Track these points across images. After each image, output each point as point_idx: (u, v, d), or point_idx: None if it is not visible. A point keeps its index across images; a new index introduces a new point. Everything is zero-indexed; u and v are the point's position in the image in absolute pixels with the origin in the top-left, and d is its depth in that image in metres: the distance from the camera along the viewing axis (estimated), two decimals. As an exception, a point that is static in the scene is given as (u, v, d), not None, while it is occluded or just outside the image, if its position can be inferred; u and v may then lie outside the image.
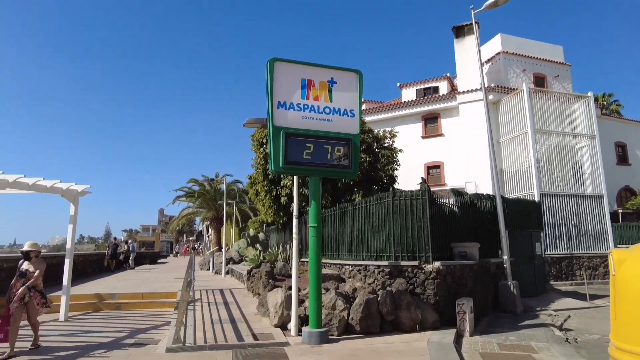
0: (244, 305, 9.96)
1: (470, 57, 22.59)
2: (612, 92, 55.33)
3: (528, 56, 25.11)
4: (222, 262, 19.48)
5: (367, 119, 23.40)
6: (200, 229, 66.13)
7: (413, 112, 24.26)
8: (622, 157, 26.86)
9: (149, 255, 34.42)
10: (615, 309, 4.75)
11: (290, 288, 8.12)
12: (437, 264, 8.43)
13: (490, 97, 21.04)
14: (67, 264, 9.31)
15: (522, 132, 20.33)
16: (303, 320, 7.48)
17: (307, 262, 11.94)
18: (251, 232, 21.56)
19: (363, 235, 10.10)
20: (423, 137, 24.06)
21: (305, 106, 7.40)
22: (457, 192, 11.47)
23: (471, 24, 23.43)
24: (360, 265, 9.78)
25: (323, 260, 9.83)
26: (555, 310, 10.34)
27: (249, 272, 12.40)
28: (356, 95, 7.80)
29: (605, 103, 36.69)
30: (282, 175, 15.71)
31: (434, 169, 23.69)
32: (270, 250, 15.67)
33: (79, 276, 15.96)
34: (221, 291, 12.55)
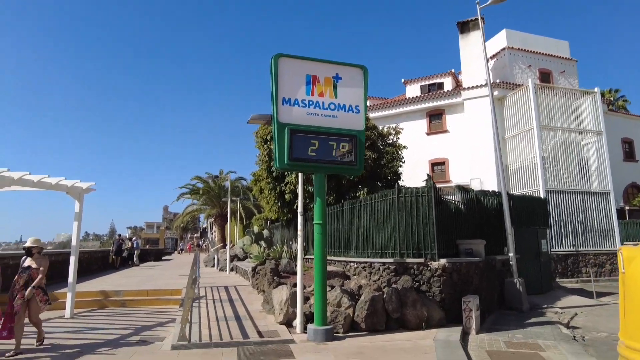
0: (249, 303, 9.95)
1: (475, 53, 22.42)
2: (618, 87, 54.83)
3: (533, 52, 24.89)
4: (226, 259, 19.51)
5: (371, 115, 23.32)
6: (204, 226, 66.37)
7: (417, 108, 24.12)
8: (629, 154, 26.62)
9: (153, 252, 34.47)
10: (624, 307, 4.68)
11: (295, 285, 8.09)
12: (442, 261, 8.38)
13: (496, 93, 20.88)
14: (73, 261, 9.32)
15: (527, 128, 20.17)
16: (308, 318, 7.45)
17: (311, 259, 11.92)
18: (255, 229, 21.53)
19: (368, 232, 10.05)
20: (427, 134, 23.93)
21: (310, 102, 7.35)
22: (463, 189, 11.39)
23: (476, 19, 23.34)
24: (365, 262, 9.74)
25: (327, 258, 9.79)
26: (561, 308, 10.26)
27: (254, 269, 12.39)
28: (361, 91, 7.74)
29: (611, 99, 36.39)
30: (286, 172, 15.66)
31: (438, 166, 23.57)
32: (274, 247, 15.67)
33: (84, 273, 16.02)
34: (226, 288, 12.55)
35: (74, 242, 9.54)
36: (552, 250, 16.78)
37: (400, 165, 16.34)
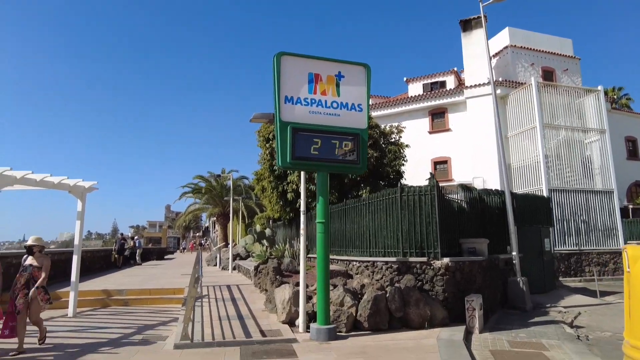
0: (252, 302, 9.94)
1: (478, 51, 22.35)
2: (622, 85, 54.59)
3: (536, 50, 24.80)
4: (228, 258, 19.50)
5: (374, 114, 23.25)
6: (206, 225, 66.46)
7: (420, 107, 24.06)
8: (633, 152, 26.52)
9: (156, 251, 34.52)
10: (630, 306, 4.65)
11: (297, 284, 8.07)
12: (446, 260, 8.34)
13: (498, 91, 20.79)
14: (75, 260, 9.32)
15: (530, 127, 20.10)
16: (311, 317, 7.44)
17: (313, 258, 11.91)
18: (258, 228, 21.53)
19: (370, 231, 10.02)
20: (430, 132, 23.88)
21: (313, 101, 7.32)
22: (466, 188, 11.35)
23: (478, 17, 23.22)
24: (368, 261, 9.71)
25: (330, 257, 9.77)
26: (565, 307, 10.22)
27: (256, 268, 12.37)
28: (364, 90, 7.70)
29: (615, 97, 36.26)
30: (288, 171, 15.64)
31: (441, 165, 23.52)
32: (277, 246, 15.66)
33: (86, 272, 16.05)
34: (228, 287, 12.55)
35: (76, 241, 9.54)
36: (555, 249, 16.73)
37: (403, 164, 16.31)
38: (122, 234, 26.98)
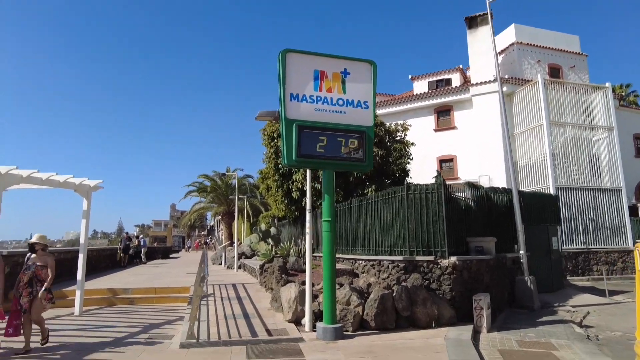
0: (257, 300, 9.91)
1: (484, 48, 22.18)
2: (630, 82, 54.00)
3: (543, 47, 24.58)
4: (234, 257, 19.50)
5: (379, 112, 23.16)
6: (211, 223, 66.61)
7: (425, 104, 23.93)
8: (641, 150, 26.23)
9: (161, 249, 34.58)
10: (642, 306, 4.57)
11: (303, 283, 8.03)
12: (453, 258, 8.26)
13: (504, 88, 20.62)
14: (81, 259, 9.34)
15: (537, 125, 19.92)
16: (317, 316, 7.38)
17: (319, 257, 11.86)
18: (263, 226, 21.54)
19: (376, 229, 9.95)
20: (435, 130, 23.73)
21: (318, 98, 7.26)
22: (473, 186, 11.25)
23: (484, 14, 23.08)
24: (374, 260, 9.65)
25: (336, 255, 9.72)
26: (573, 306, 10.11)
27: (262, 266, 12.35)
28: (370, 87, 7.63)
29: (623, 94, 35.85)
30: (293, 170, 15.60)
31: (446, 163, 23.38)
32: (282, 245, 15.63)
33: (92, 271, 16.09)
34: (234, 286, 12.53)
35: (82, 240, 9.55)
36: (562, 247, 16.57)
37: (408, 162, 16.22)
38: (127, 233, 27.04)
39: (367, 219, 10.46)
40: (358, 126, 7.41)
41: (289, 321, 7.63)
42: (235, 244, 20.35)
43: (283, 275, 10.00)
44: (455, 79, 25.38)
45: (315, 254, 12.32)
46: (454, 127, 23.32)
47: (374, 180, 14.76)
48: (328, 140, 7.15)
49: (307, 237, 7.84)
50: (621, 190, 19.40)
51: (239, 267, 18.49)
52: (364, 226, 10.65)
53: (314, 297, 7.75)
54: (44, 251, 6.56)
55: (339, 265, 10.57)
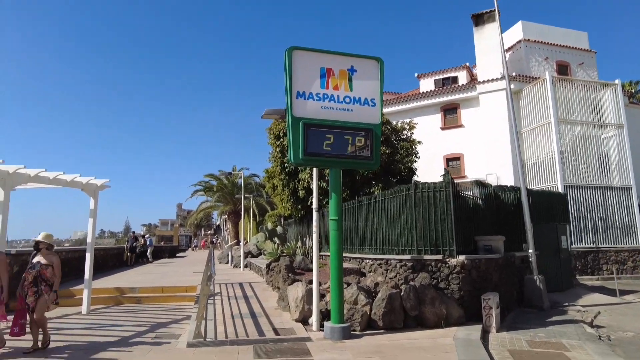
0: (264, 299, 9.88)
1: (491, 46, 22.01)
2: (639, 79, 53.33)
3: (551, 43, 24.33)
4: (240, 256, 19.51)
5: (385, 110, 23.05)
6: (218, 223, 66.80)
7: (432, 102, 23.79)
8: (651, 147, 25.87)
9: (167, 249, 34.73)
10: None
11: (310, 282, 7.99)
12: (461, 257, 8.18)
13: (512, 86, 20.44)
14: (89, 258, 9.36)
15: (544, 122, 19.73)
16: (324, 315, 7.34)
17: (325, 256, 11.81)
18: (269, 225, 21.54)
19: (384, 228, 9.88)
20: (442, 129, 23.59)
21: (325, 96, 7.20)
22: (481, 184, 11.15)
23: (490, 11, 22.91)
24: (382, 259, 9.58)
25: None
26: (583, 306, 9.97)
27: (268, 265, 12.32)
28: (377, 84, 7.56)
29: (632, 91, 35.39)
30: (299, 169, 15.56)
31: (453, 161, 23.23)
32: (288, 244, 15.59)
33: (99, 270, 16.16)
34: (240, 285, 12.52)
35: (89, 239, 9.58)
36: (571, 246, 16.40)
37: (415, 161, 16.11)
38: (133, 233, 27.19)
39: (374, 217, 10.39)
40: (365, 124, 7.34)
41: (296, 320, 7.59)
42: (241, 243, 20.35)
43: (290, 274, 9.96)
44: (462, 77, 25.20)
45: (321, 253, 12.27)
46: (460, 125, 23.16)
47: (381, 179, 14.67)
48: (335, 139, 7.09)
49: (314, 236, 7.79)
50: (631, 188, 19.16)
51: (246, 266, 18.50)
52: (371, 225, 10.58)
53: (321, 296, 7.70)
54: (49, 250, 6.49)
55: (345, 265, 10.50)
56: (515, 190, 11.90)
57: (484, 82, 22.26)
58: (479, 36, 23.24)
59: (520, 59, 24.05)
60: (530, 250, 10.52)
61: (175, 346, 6.38)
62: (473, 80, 24.05)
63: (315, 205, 7.86)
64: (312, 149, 6.96)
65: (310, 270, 10.65)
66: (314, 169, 8.18)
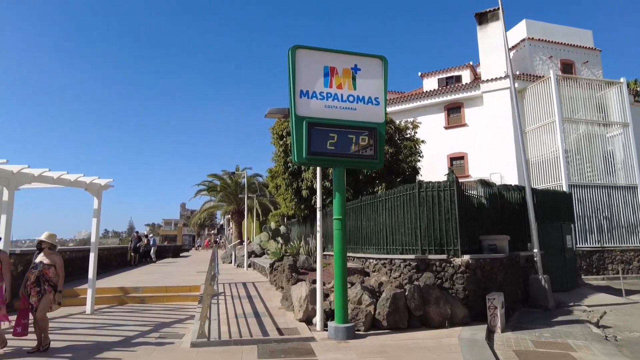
0: (268, 299, 9.87)
1: (494, 44, 21.91)
2: (643, 78, 52.96)
3: (555, 42, 24.21)
4: (243, 255, 19.51)
5: (388, 109, 22.90)
6: (221, 222, 66.91)
7: (435, 102, 23.71)
8: (656, 146, 25.68)
9: (171, 248, 34.79)
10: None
11: (314, 282, 7.96)
12: (466, 257, 8.13)
13: (515, 85, 20.33)
14: (92, 258, 9.37)
15: (549, 121, 19.62)
16: (328, 315, 7.32)
17: (328, 255, 11.78)
18: (272, 225, 21.50)
19: (387, 228, 9.84)
20: (446, 128, 23.50)
21: (329, 94, 7.17)
22: (485, 183, 11.09)
23: (494, 10, 22.80)
24: (385, 258, 9.54)
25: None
26: (589, 306, 9.90)
27: (272, 265, 12.31)
28: (381, 83, 7.52)
29: (638, 89, 35.16)
30: (302, 168, 15.55)
31: (457, 160, 23.14)
32: (291, 243, 15.58)
33: (103, 269, 16.21)
34: (244, 284, 12.51)
35: (93, 239, 9.59)
36: (576, 246, 16.30)
37: (419, 160, 16.07)
38: (137, 232, 27.24)
39: (378, 217, 10.35)
40: (369, 123, 7.31)
41: (300, 320, 7.57)
42: (245, 243, 20.35)
43: (293, 274, 9.94)
44: (466, 76, 25.10)
45: (325, 253, 12.26)
46: (464, 125, 23.07)
47: (384, 179, 14.64)
48: (338, 138, 7.05)
49: (318, 236, 7.76)
50: (637, 187, 19.02)
51: (249, 266, 18.50)
52: (374, 224, 10.54)
53: (325, 296, 7.67)
54: (51, 250, 6.43)
55: (349, 264, 10.47)
56: (519, 189, 11.83)
57: (487, 81, 22.16)
58: (482, 35, 23.13)
59: (524, 57, 23.94)
60: (535, 250, 10.45)
61: (179, 346, 6.38)
62: (477, 79, 23.95)
63: (319, 204, 7.83)
64: (316, 148, 6.93)
65: (314, 269, 10.64)
66: (318, 169, 8.15)
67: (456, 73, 25.51)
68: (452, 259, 8.23)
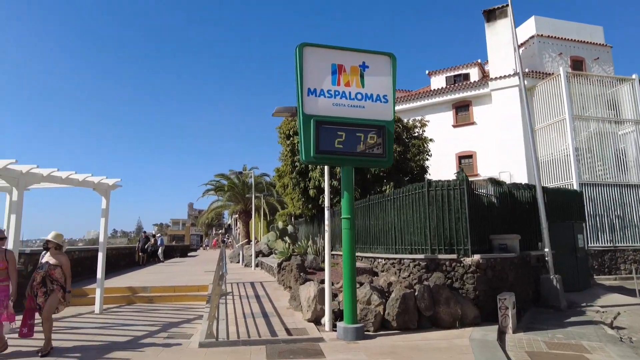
0: (276, 299, 9.82)
1: (503, 42, 21.70)
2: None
3: (565, 39, 23.92)
4: (251, 255, 19.51)
5: (396, 108, 22.73)
6: (229, 222, 67.11)
7: (443, 100, 23.53)
8: (669, 144, 25.27)
9: (179, 248, 34.96)
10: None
11: (322, 281, 7.89)
12: (476, 257, 8.01)
13: (525, 82, 20.12)
14: (101, 258, 9.39)
15: (559, 119, 19.38)
16: (337, 315, 7.25)
17: (336, 255, 11.71)
18: (280, 225, 21.47)
19: (396, 227, 9.75)
20: (454, 126, 23.31)
21: (336, 92, 7.09)
22: (495, 182, 10.95)
23: (502, 7, 22.57)
24: (394, 258, 9.45)
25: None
26: (602, 307, 9.71)
27: (279, 265, 12.27)
28: (389, 80, 7.42)
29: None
30: (310, 167, 15.49)
31: (466, 159, 22.95)
32: (299, 243, 15.53)
33: (112, 269, 16.27)
34: (252, 284, 12.48)
35: (101, 239, 9.61)
36: (588, 245, 16.07)
37: (427, 159, 15.94)
38: (145, 232, 27.38)
39: (387, 216, 10.26)
40: (377, 121, 7.22)
41: (309, 320, 7.51)
42: (252, 242, 20.35)
43: (301, 274, 9.88)
44: (474, 74, 24.89)
45: (333, 252, 12.18)
46: (473, 123, 22.86)
47: (392, 178, 14.53)
48: (347, 136, 6.98)
49: (326, 235, 7.69)
50: (650, 185, 18.72)
51: (257, 266, 18.49)
52: (383, 224, 10.45)
53: (334, 296, 7.61)
54: (58, 250, 6.36)
55: (358, 264, 10.38)
56: (530, 188, 11.67)
57: (496, 78, 21.95)
58: (490, 32, 22.90)
59: (534, 54, 23.68)
60: (546, 249, 10.30)
61: (188, 346, 6.34)
62: (485, 77, 23.73)
63: (326, 203, 7.76)
64: (324, 146, 6.86)
65: (322, 269, 10.58)
66: (326, 167, 8.08)
67: (464, 71, 25.30)
68: (462, 259, 8.12)
